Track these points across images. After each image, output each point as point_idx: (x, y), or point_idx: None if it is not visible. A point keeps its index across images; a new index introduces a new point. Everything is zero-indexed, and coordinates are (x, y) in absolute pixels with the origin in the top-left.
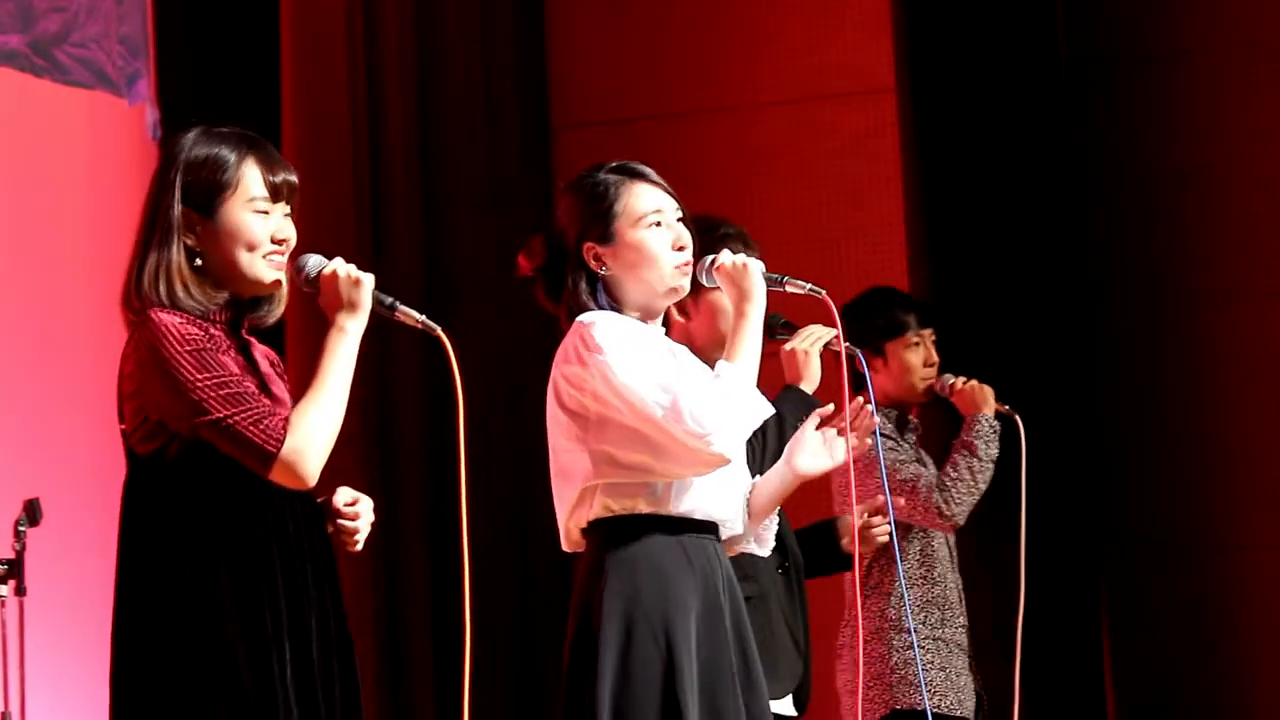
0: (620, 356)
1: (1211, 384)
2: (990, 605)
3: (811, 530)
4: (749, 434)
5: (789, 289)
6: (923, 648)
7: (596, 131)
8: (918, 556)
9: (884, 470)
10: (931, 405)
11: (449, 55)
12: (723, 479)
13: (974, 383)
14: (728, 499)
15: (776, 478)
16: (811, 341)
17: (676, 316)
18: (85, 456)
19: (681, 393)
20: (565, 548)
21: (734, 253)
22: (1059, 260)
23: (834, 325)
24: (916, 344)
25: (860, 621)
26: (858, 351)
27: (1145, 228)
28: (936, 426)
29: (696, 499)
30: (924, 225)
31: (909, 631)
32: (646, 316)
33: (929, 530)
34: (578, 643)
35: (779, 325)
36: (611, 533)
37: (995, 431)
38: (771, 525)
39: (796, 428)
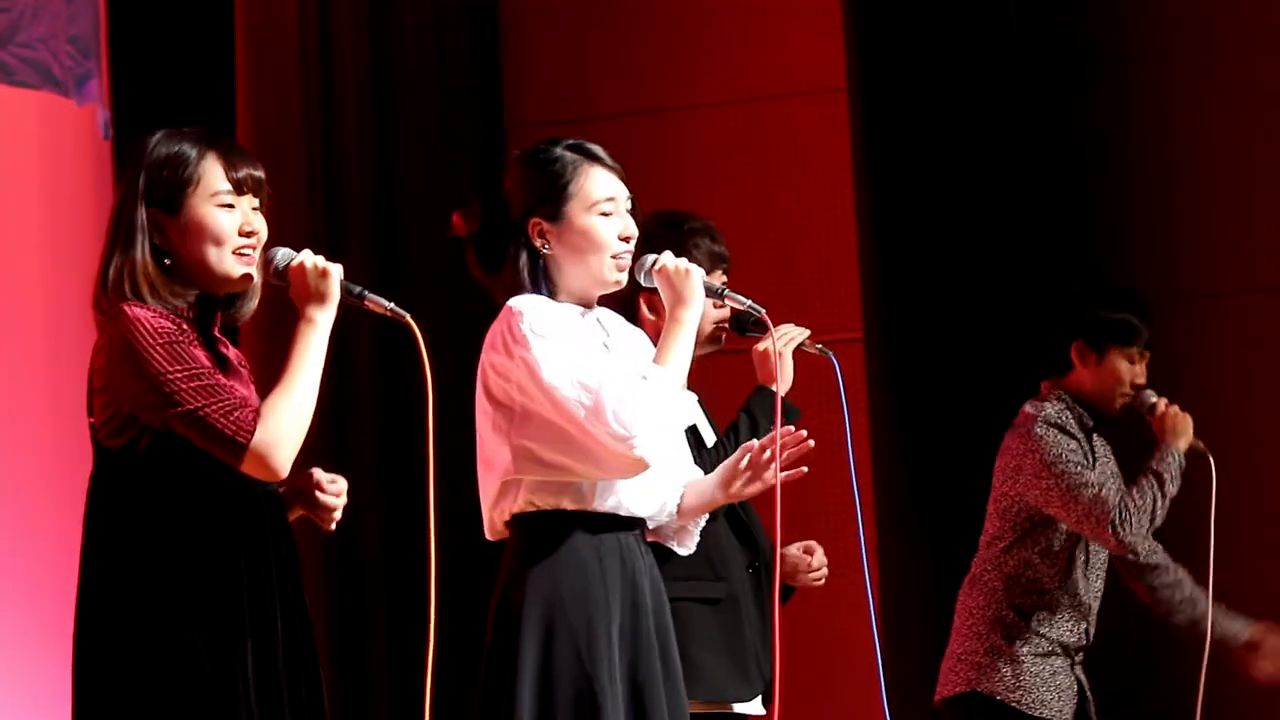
0: (545, 350)
1: (1185, 386)
2: None
3: None
4: (670, 439)
5: (728, 303)
6: (1020, 640)
7: (550, 131)
8: (1045, 549)
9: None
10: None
11: (402, 55)
12: (650, 476)
13: (1176, 409)
14: (655, 496)
15: (709, 491)
16: (785, 341)
17: (647, 314)
18: (42, 455)
19: (605, 392)
20: (488, 536)
21: (698, 249)
22: (1012, 262)
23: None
24: (1133, 361)
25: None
26: (830, 354)
27: (1098, 228)
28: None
29: (622, 497)
30: (876, 226)
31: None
32: (581, 304)
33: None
34: (498, 638)
35: (750, 323)
36: (534, 529)
37: (1182, 470)
38: (697, 526)
39: (769, 430)
